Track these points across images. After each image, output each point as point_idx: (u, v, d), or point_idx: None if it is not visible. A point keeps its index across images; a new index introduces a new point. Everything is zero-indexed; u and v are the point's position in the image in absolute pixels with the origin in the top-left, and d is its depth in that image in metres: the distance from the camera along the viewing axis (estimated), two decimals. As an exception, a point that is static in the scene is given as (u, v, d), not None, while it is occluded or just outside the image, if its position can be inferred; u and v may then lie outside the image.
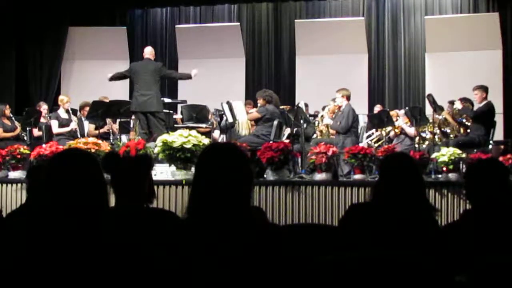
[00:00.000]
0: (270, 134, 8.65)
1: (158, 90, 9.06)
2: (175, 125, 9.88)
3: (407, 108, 10.01)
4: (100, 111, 9.01)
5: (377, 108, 11.57)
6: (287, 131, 9.49)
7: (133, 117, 9.88)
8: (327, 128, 9.50)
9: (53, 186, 2.21)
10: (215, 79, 13.42)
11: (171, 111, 10.33)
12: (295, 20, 13.95)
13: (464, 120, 9.04)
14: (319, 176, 7.22)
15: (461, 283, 2.41)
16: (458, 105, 9.29)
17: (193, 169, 6.75)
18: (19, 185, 7.33)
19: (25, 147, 8.06)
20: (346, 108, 8.93)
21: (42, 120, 10.27)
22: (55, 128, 9.62)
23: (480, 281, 2.36)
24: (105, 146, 7.58)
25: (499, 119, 10.50)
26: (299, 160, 8.23)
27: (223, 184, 2.18)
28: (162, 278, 2.14)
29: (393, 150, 7.56)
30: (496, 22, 12.59)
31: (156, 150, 7.30)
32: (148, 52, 9.25)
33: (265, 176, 7.34)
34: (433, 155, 7.60)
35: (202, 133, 7.84)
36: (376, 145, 9.66)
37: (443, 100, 9.62)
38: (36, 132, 10.07)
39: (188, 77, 9.47)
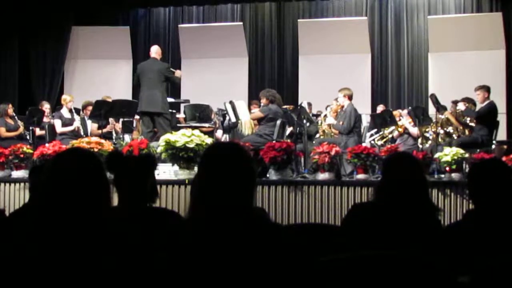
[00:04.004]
0: (273, 133, 8.64)
1: (163, 90, 9.03)
2: (178, 125, 9.88)
3: (410, 108, 10.00)
4: (103, 110, 9.02)
5: (380, 108, 11.56)
6: (289, 130, 9.48)
7: (136, 116, 9.88)
8: (330, 127, 9.50)
9: (56, 186, 2.21)
10: (218, 78, 13.43)
11: (173, 111, 10.33)
12: (298, 20, 13.94)
13: (468, 121, 9.03)
14: (322, 176, 7.22)
15: (464, 283, 2.41)
16: (461, 106, 9.28)
17: (196, 168, 6.76)
18: (22, 184, 7.35)
19: (28, 146, 8.08)
20: (348, 108, 8.93)
21: (45, 119, 10.29)
22: (58, 128, 9.63)
23: (483, 282, 2.36)
24: (108, 146, 7.59)
25: (502, 119, 10.49)
26: (302, 159, 8.23)
27: (225, 184, 2.18)
28: (164, 277, 2.14)
29: (396, 150, 7.56)
30: (499, 22, 12.57)
31: (159, 149, 7.31)
32: (154, 51, 9.21)
33: (267, 175, 7.34)
34: (436, 155, 7.60)
35: (205, 133, 7.84)
36: (380, 143, 9.64)
37: (446, 100, 9.61)
38: (38, 131, 10.08)
39: (179, 81, 9.48)
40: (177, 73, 9.40)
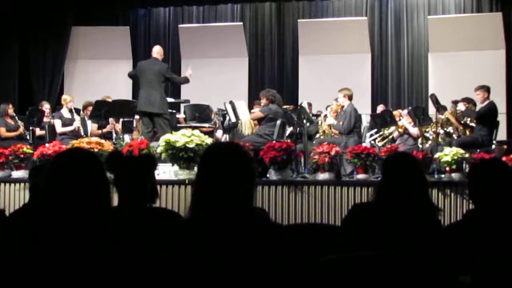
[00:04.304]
0: (273, 133, 8.64)
1: (162, 91, 8.98)
2: (178, 125, 9.88)
3: (410, 108, 10.00)
4: (103, 110, 9.02)
5: (380, 108, 11.56)
6: (289, 130, 9.48)
7: (136, 116, 9.87)
8: (330, 128, 9.49)
9: (56, 186, 2.22)
10: (218, 78, 13.44)
11: (174, 111, 10.32)
12: (298, 20, 13.94)
13: (468, 122, 9.03)
14: (322, 176, 7.22)
15: (465, 283, 2.41)
16: (461, 107, 9.28)
17: (196, 168, 6.75)
18: (22, 184, 7.35)
19: (28, 146, 8.07)
20: (348, 108, 8.91)
21: (45, 119, 10.28)
22: (58, 128, 9.63)
23: (484, 282, 2.36)
24: (108, 146, 7.59)
25: (502, 119, 10.49)
26: (302, 160, 8.22)
27: (225, 184, 2.18)
28: (164, 277, 2.14)
29: (396, 150, 7.56)
30: (499, 22, 12.57)
31: (159, 149, 7.31)
32: (156, 51, 9.17)
33: (268, 175, 7.33)
34: (436, 155, 7.59)
35: (205, 133, 7.84)
36: (381, 144, 9.64)
37: (446, 100, 9.60)
38: (38, 131, 10.08)
39: (186, 80, 9.39)
40: (188, 73, 9.34)
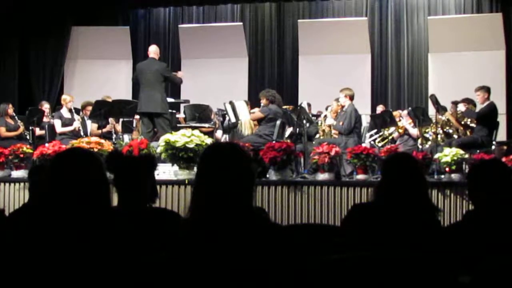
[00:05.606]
0: (273, 134, 8.64)
1: (162, 91, 8.98)
2: (178, 125, 9.87)
3: (410, 108, 10.00)
4: (103, 110, 9.02)
5: (380, 108, 11.56)
6: (289, 130, 9.48)
7: (136, 116, 9.87)
8: (330, 128, 9.49)
9: (56, 186, 2.22)
10: (218, 79, 13.44)
11: (174, 111, 10.32)
12: (298, 20, 13.94)
13: (469, 122, 9.02)
14: (322, 176, 7.22)
15: (464, 284, 2.41)
16: (461, 107, 9.28)
17: (195, 168, 6.75)
18: (21, 184, 7.35)
19: (28, 146, 8.08)
20: (349, 108, 8.90)
21: (45, 119, 10.29)
22: (58, 128, 9.63)
23: (483, 282, 2.35)
24: (107, 146, 7.59)
25: (502, 119, 10.49)
26: (302, 160, 8.22)
27: (225, 184, 2.18)
28: (164, 277, 2.14)
29: (396, 151, 7.56)
30: (499, 23, 12.57)
31: (159, 149, 7.31)
32: (153, 51, 9.17)
33: (267, 176, 7.34)
34: (436, 156, 7.59)
35: (205, 133, 7.84)
36: (380, 144, 9.64)
37: (446, 101, 9.60)
38: (38, 131, 10.08)
39: (181, 81, 9.42)
40: (179, 74, 9.37)
